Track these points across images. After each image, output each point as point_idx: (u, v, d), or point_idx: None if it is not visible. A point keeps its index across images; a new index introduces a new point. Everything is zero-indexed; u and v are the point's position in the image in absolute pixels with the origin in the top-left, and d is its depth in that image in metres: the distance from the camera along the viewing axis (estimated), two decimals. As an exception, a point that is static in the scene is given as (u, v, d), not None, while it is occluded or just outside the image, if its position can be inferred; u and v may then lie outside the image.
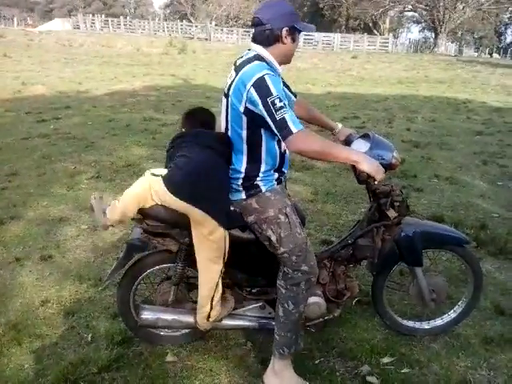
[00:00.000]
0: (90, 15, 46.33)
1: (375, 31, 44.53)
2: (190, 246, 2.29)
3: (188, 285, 2.56)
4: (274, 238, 2.21)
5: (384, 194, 2.39)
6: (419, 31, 55.42)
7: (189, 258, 2.38)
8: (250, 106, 2.07)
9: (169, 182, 2.16)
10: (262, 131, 2.16)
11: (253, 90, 2.03)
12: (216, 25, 41.34)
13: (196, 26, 41.34)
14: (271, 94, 2.00)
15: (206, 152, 2.19)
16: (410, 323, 2.81)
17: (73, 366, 2.44)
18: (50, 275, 3.38)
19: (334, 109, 10.63)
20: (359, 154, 2.13)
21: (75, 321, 2.84)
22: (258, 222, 2.24)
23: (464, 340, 2.77)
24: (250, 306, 2.51)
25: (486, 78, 19.02)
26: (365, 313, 2.96)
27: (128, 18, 48.14)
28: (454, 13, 37.38)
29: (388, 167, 2.25)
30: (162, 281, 2.57)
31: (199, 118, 2.43)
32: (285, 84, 2.43)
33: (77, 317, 2.89)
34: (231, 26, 45.93)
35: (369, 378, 2.43)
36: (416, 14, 45.98)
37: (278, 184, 2.30)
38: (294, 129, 1.98)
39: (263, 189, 2.23)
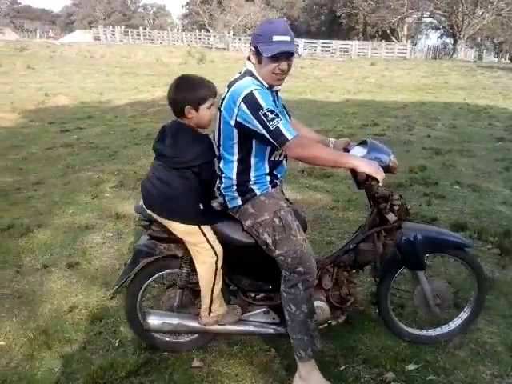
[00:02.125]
0: (110, 26, 47.21)
1: (393, 38, 44.36)
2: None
3: (194, 290, 2.60)
4: (269, 241, 2.27)
5: (383, 198, 2.42)
6: (438, 37, 55.07)
7: (193, 263, 2.43)
8: (240, 121, 2.15)
9: (148, 202, 2.31)
10: (253, 143, 2.24)
11: (243, 106, 2.11)
12: (234, 34, 41.70)
13: (214, 36, 41.73)
14: (262, 108, 2.09)
15: (182, 180, 2.22)
16: (416, 331, 2.80)
17: (101, 370, 2.49)
18: (77, 282, 3.45)
19: (353, 116, 10.63)
20: (358, 158, 2.22)
21: (103, 326, 2.90)
22: (254, 226, 2.29)
23: (490, 348, 2.75)
24: (254, 312, 2.53)
25: (507, 83, 18.80)
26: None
27: (147, 28, 48.94)
28: (473, 18, 37.08)
29: (386, 169, 2.30)
30: (168, 286, 2.63)
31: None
32: (283, 105, 2.51)
33: (104, 322, 2.95)
34: (249, 36, 46.24)
35: (394, 385, 2.43)
36: (434, 21, 45.73)
37: (272, 187, 2.35)
38: (289, 136, 2.08)
39: (258, 192, 2.30)
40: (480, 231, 4.23)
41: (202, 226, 2.27)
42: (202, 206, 2.27)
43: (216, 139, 2.34)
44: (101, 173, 6.10)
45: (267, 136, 2.10)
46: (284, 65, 2.21)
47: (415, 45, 48.48)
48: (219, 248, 2.31)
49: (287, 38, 2.18)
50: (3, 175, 6.07)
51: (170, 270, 2.56)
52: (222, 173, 2.33)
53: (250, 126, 2.13)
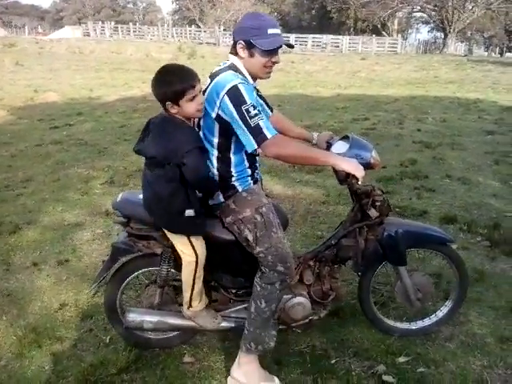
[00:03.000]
0: (100, 22, 46.83)
1: (384, 33, 44.41)
2: (174, 248, 2.34)
3: (174, 287, 2.60)
4: (250, 238, 2.25)
5: (365, 194, 2.44)
6: (428, 32, 55.07)
7: (173, 260, 2.43)
8: (222, 114, 2.13)
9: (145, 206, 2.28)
10: (233, 138, 2.20)
11: (226, 99, 2.08)
12: (224, 30, 41.49)
13: (204, 32, 41.54)
14: (245, 102, 2.07)
15: (166, 183, 2.14)
16: (398, 324, 2.81)
17: (92, 367, 2.48)
18: (67, 279, 3.43)
19: (343, 111, 10.63)
20: (336, 157, 2.24)
21: (93, 323, 2.89)
22: (235, 222, 2.28)
23: (479, 339, 2.76)
24: (236, 308, 2.52)
25: (497, 77, 18.88)
26: (390, 313, 2.95)
27: (137, 24, 48.53)
28: (463, 13, 37.18)
29: (367, 166, 2.33)
30: (148, 284, 2.62)
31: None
32: (262, 97, 2.50)
33: (94, 319, 2.93)
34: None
35: (385, 378, 2.44)
36: (425, 15, 45.76)
37: (254, 183, 2.34)
38: (268, 134, 2.07)
39: (239, 189, 2.28)
40: (470, 224, 4.25)
41: (190, 237, 2.24)
42: (192, 213, 2.18)
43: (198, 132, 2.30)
44: (90, 169, 6.06)
45: (246, 132, 2.08)
46: (277, 57, 2.23)
47: (406, 39, 48.48)
48: (201, 250, 2.28)
49: (279, 31, 2.21)
50: (-8, 173, 6.02)
51: (150, 267, 2.55)
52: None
53: (229, 120, 2.11)
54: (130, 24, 45.59)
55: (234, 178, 2.27)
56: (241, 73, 2.21)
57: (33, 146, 7.40)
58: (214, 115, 2.15)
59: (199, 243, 2.27)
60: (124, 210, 2.38)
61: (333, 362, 2.57)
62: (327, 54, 32.33)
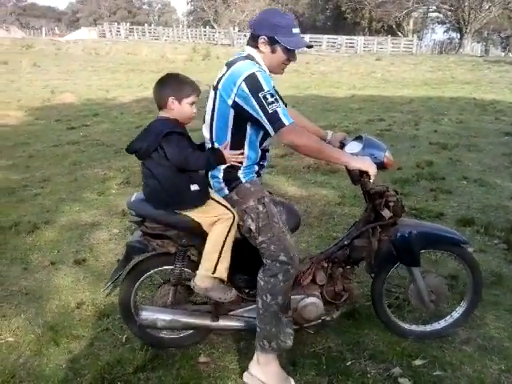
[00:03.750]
0: (116, 23, 47.19)
1: (399, 33, 44.10)
2: (188, 247, 2.37)
3: (187, 286, 2.60)
4: (253, 228, 2.27)
5: (378, 194, 2.42)
6: (444, 32, 54.55)
7: (186, 259, 2.45)
8: (239, 101, 2.15)
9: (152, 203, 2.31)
10: (248, 127, 2.24)
11: (244, 86, 2.11)
12: (239, 30, 41.57)
13: (219, 32, 41.65)
14: (262, 89, 2.10)
15: (161, 169, 2.22)
16: (413, 326, 2.79)
17: (109, 365, 2.50)
18: (84, 278, 3.47)
19: (358, 112, 10.59)
20: (349, 156, 2.28)
21: (110, 322, 2.91)
22: (239, 213, 2.29)
23: (497, 343, 2.73)
24: (248, 308, 2.51)
25: (514, 77, 18.66)
26: (403, 314, 2.93)
27: (152, 25, 48.93)
28: (480, 12, 36.78)
29: (381, 166, 2.34)
30: (162, 283, 2.63)
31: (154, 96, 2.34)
32: (277, 93, 2.49)
33: (111, 318, 2.96)
34: (254, 31, 46.04)
35: (401, 380, 2.43)
36: (440, 15, 45.37)
37: (257, 176, 2.37)
38: (286, 121, 2.10)
39: (243, 180, 2.31)
40: (487, 226, 4.21)
41: (209, 200, 2.26)
42: (197, 187, 2.23)
43: (207, 122, 2.33)
44: (107, 170, 6.12)
45: (264, 119, 2.10)
46: (295, 56, 2.30)
47: (421, 40, 48.15)
48: (233, 210, 2.29)
49: (299, 31, 2.28)
50: (10, 173, 6.11)
51: (164, 266, 2.57)
52: None
53: (247, 108, 2.13)
54: (145, 25, 45.94)
55: (240, 171, 2.30)
56: (258, 64, 2.24)
57: (50, 147, 7.49)
58: (230, 102, 2.17)
59: (224, 201, 2.29)
60: (138, 209, 2.40)
61: (348, 364, 2.56)
62: (342, 54, 32.20)
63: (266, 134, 2.26)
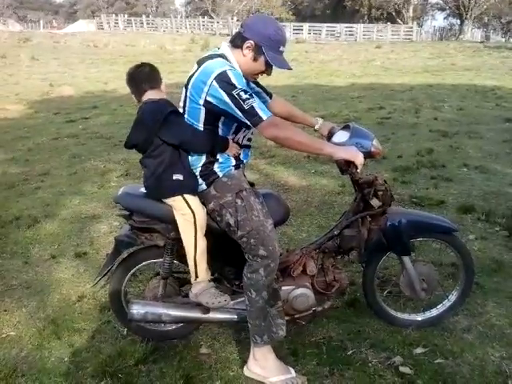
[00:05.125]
0: (113, 15, 46.95)
1: (399, 20, 43.79)
2: (176, 240, 2.36)
3: (178, 279, 2.61)
4: (232, 222, 2.25)
5: (367, 183, 2.42)
6: (444, 18, 54.11)
7: (175, 252, 2.44)
8: (211, 100, 2.13)
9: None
10: (219, 123, 2.24)
11: (215, 84, 2.09)
12: (237, 20, 41.18)
13: (218, 22, 41.40)
14: (235, 87, 2.07)
15: (152, 159, 2.26)
16: (404, 315, 2.79)
17: (110, 358, 2.50)
18: (85, 271, 3.47)
19: (358, 100, 10.54)
20: (333, 146, 2.26)
21: (111, 315, 2.90)
22: (217, 208, 2.28)
23: (498, 330, 2.73)
24: (239, 300, 2.49)
25: (515, 63, 18.53)
26: (396, 304, 2.94)
27: (150, 16, 48.61)
28: (480, -2, 36.50)
29: (368, 154, 2.33)
30: (153, 276, 2.64)
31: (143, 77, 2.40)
32: (259, 85, 2.52)
33: (112, 312, 2.96)
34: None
35: (402, 369, 2.43)
36: (440, 1, 45.07)
37: (235, 169, 2.34)
38: (263, 116, 2.07)
39: (220, 174, 2.29)
40: (488, 213, 4.20)
41: (185, 196, 2.26)
42: (180, 177, 2.25)
43: None
44: (107, 162, 6.11)
45: (240, 116, 2.09)
46: (271, 72, 2.28)
47: (421, 26, 47.84)
48: (199, 208, 2.28)
49: (284, 49, 2.25)
50: (10, 167, 6.10)
51: (153, 259, 2.57)
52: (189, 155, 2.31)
53: (221, 106, 2.12)
54: (143, 16, 45.70)
55: (216, 165, 2.29)
56: (229, 62, 2.21)
57: (49, 140, 7.47)
58: (201, 101, 2.16)
59: (195, 202, 2.28)
60: (125, 202, 2.41)
61: (349, 353, 2.56)
62: (341, 42, 32.01)
63: (239, 129, 2.27)
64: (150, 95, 2.31)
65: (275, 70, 2.27)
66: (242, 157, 2.37)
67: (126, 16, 46.17)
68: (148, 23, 43.78)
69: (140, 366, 2.48)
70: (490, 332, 2.72)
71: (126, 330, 2.75)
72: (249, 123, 2.10)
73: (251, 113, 2.07)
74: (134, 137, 2.29)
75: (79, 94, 12.12)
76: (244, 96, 2.06)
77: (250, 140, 2.41)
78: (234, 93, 2.06)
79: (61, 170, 5.91)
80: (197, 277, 2.38)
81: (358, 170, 2.26)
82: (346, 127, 2.51)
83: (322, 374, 2.42)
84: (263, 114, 2.08)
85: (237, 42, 2.23)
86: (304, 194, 4.83)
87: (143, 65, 2.41)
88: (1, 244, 3.91)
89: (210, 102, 2.14)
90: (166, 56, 22.62)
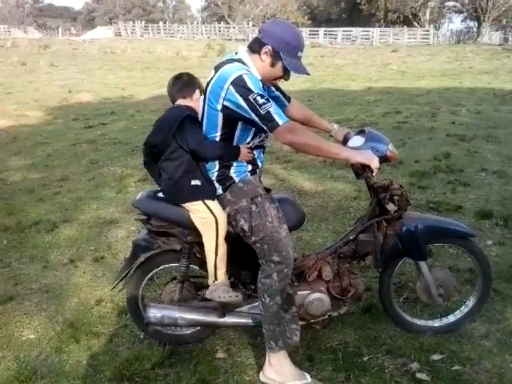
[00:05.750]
0: (131, 22, 47.43)
1: (415, 23, 43.53)
2: (193, 244, 2.40)
3: (194, 283, 2.63)
4: (246, 228, 2.26)
5: (383, 188, 2.41)
6: (461, 21, 53.67)
7: (192, 256, 2.47)
8: (228, 104, 2.15)
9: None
10: (237, 127, 2.24)
11: (232, 89, 2.10)
12: (253, 25, 41.37)
13: (234, 28, 41.59)
14: (251, 92, 2.08)
15: (171, 162, 2.31)
16: (421, 321, 2.77)
17: (128, 362, 2.53)
18: (102, 276, 3.51)
19: (374, 104, 10.50)
20: (349, 150, 2.26)
21: (128, 319, 2.93)
22: (232, 213, 2.30)
23: (517, 337, 2.70)
24: (254, 304, 2.50)
25: (535, 66, 18.30)
26: (413, 309, 2.92)
27: (167, 22, 48.99)
28: (498, 0, 36.05)
29: (383, 159, 2.33)
30: (169, 280, 2.67)
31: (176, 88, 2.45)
32: (278, 89, 2.53)
33: (130, 315, 2.99)
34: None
35: (418, 375, 2.41)
36: (458, 4, 44.59)
37: (251, 175, 2.35)
38: (280, 121, 2.09)
39: (236, 179, 2.31)
40: (506, 218, 4.15)
41: (205, 201, 2.29)
42: (198, 183, 2.28)
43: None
44: (124, 168, 6.18)
45: (257, 120, 2.10)
46: (289, 77, 2.30)
47: (438, 29, 47.46)
48: (220, 212, 2.31)
49: (302, 55, 2.26)
50: (30, 172, 6.21)
51: (170, 264, 2.59)
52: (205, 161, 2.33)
53: (238, 110, 2.14)
54: (160, 23, 46.07)
55: (232, 170, 2.31)
56: (247, 68, 2.22)
57: (68, 146, 7.58)
58: (219, 106, 2.18)
59: (216, 206, 2.31)
60: (143, 207, 2.44)
61: (365, 359, 2.56)
62: (357, 46, 31.91)
63: (256, 133, 2.29)
64: (180, 102, 2.39)
65: (294, 74, 2.28)
66: (257, 160, 2.38)
67: (143, 23, 46.62)
68: (165, 29, 44.15)
69: (157, 370, 2.51)
70: (509, 339, 2.69)
71: (143, 334, 2.78)
72: (265, 128, 2.12)
73: (267, 118, 2.08)
74: (154, 137, 2.35)
75: (97, 100, 12.28)
76: (260, 101, 2.08)
77: (262, 141, 2.40)
78: (251, 97, 2.07)
79: (79, 175, 5.99)
80: (216, 278, 2.40)
81: (374, 174, 2.26)
82: (361, 132, 2.52)
83: (338, 380, 2.42)
84: (279, 119, 2.09)
85: (255, 47, 2.24)
86: (320, 199, 4.83)
87: (181, 75, 2.47)
88: (20, 248, 3.98)
89: (227, 107, 2.16)
90: (182, 62, 22.84)
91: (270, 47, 2.18)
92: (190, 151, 2.26)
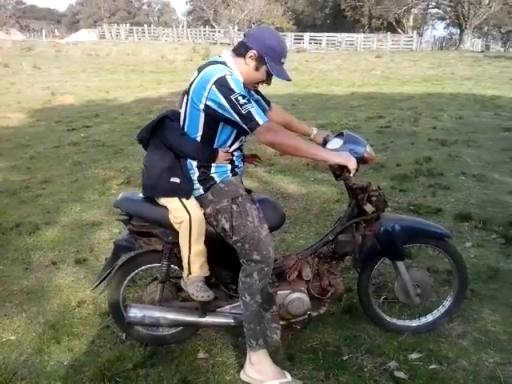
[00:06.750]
0: (115, 25, 47.25)
1: (399, 30, 44.07)
2: (174, 244, 2.41)
3: (175, 284, 2.64)
4: (227, 227, 2.29)
5: (361, 189, 2.45)
6: (444, 28, 54.60)
7: (173, 256, 2.49)
8: (210, 104, 2.19)
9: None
10: (219, 129, 2.28)
11: (215, 89, 2.15)
12: (239, 29, 41.50)
13: (219, 32, 41.69)
14: (233, 92, 2.13)
15: (154, 156, 2.38)
16: (400, 321, 2.82)
17: (109, 362, 2.53)
18: (84, 277, 3.50)
19: (358, 109, 10.61)
20: (327, 152, 2.32)
21: (110, 320, 2.93)
22: (213, 212, 2.33)
23: (493, 336, 2.76)
24: (235, 304, 2.52)
25: (515, 73, 18.62)
26: (392, 309, 2.97)
27: (152, 26, 48.95)
28: (480, 8, 36.70)
29: (361, 160, 2.38)
30: (150, 281, 2.68)
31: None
32: (258, 93, 2.58)
33: (111, 316, 2.99)
34: (254, 30, 45.91)
35: (397, 374, 2.45)
36: (440, 11, 45.32)
37: (233, 175, 2.40)
38: (260, 121, 2.13)
39: (217, 180, 2.34)
40: (485, 221, 4.23)
41: (182, 199, 2.32)
42: (177, 180, 2.30)
43: (181, 125, 2.39)
44: (108, 170, 6.16)
45: (238, 120, 2.14)
46: (271, 82, 2.35)
47: (421, 36, 48.11)
48: (195, 210, 2.32)
49: (285, 61, 2.32)
50: (12, 174, 6.15)
51: (151, 264, 2.60)
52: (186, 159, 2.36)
53: (219, 111, 2.17)
54: (145, 26, 46.02)
55: (212, 170, 2.34)
56: (230, 68, 2.26)
57: (51, 148, 7.52)
58: (201, 106, 2.21)
59: (192, 204, 2.33)
60: (125, 207, 2.46)
61: (345, 358, 2.59)
62: (342, 52, 32.20)
63: (237, 135, 2.33)
64: None
65: (276, 79, 2.33)
66: (236, 162, 2.41)
67: (127, 25, 46.48)
68: (150, 33, 44.08)
69: (138, 370, 2.51)
70: (485, 338, 2.75)
71: (124, 334, 2.78)
72: (246, 127, 2.15)
73: (248, 117, 2.12)
74: (140, 133, 2.45)
75: (81, 103, 12.20)
76: (242, 101, 2.12)
77: (242, 144, 2.45)
78: (233, 97, 2.12)
79: (62, 177, 5.95)
80: (190, 272, 2.42)
81: (352, 175, 2.30)
82: (339, 135, 2.57)
83: (317, 379, 2.45)
84: (260, 119, 2.13)
85: (240, 50, 2.28)
86: (303, 202, 4.87)
87: None
88: (2, 250, 3.95)
89: (210, 107, 2.19)
90: (167, 65, 22.78)
91: (255, 51, 2.23)
92: (168, 146, 2.31)
